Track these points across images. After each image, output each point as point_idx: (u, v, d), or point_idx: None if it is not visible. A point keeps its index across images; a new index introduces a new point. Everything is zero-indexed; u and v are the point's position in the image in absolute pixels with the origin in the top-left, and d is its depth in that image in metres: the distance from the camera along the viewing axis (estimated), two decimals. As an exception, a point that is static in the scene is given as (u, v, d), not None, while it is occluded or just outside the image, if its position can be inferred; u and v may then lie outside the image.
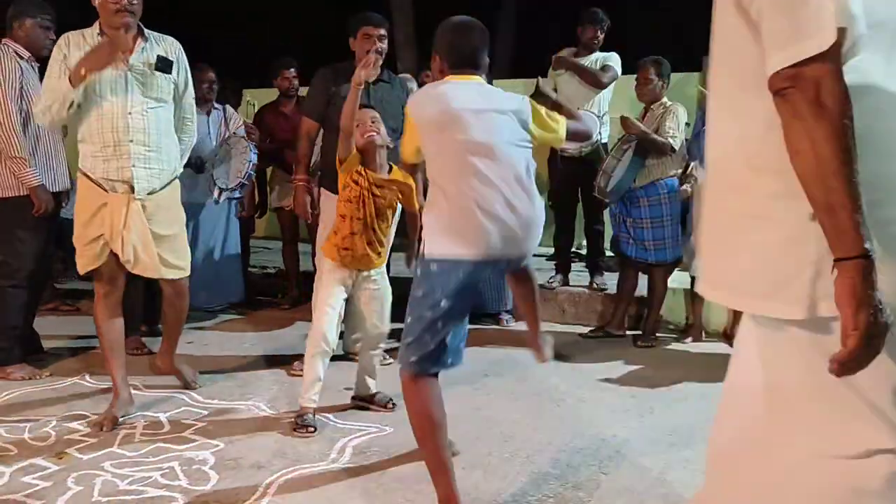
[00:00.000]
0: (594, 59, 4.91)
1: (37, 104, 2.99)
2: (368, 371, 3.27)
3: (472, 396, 3.42)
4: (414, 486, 2.47)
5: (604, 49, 4.97)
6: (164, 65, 3.07)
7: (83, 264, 3.06)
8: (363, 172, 3.00)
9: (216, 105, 4.89)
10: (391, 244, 3.30)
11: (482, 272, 2.24)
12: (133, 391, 3.23)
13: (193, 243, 4.86)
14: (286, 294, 5.39)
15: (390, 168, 3.10)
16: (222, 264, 5.05)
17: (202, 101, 4.71)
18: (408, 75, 5.18)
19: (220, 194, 4.58)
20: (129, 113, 2.96)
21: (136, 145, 2.98)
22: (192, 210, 4.82)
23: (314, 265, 4.07)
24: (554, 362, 3.75)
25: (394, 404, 3.18)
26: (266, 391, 3.51)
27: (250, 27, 10.49)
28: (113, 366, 3.12)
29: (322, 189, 3.79)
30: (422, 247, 2.24)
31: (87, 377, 3.66)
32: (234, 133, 4.82)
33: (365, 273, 3.16)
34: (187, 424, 3.04)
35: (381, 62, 3.48)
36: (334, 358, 3.17)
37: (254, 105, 6.80)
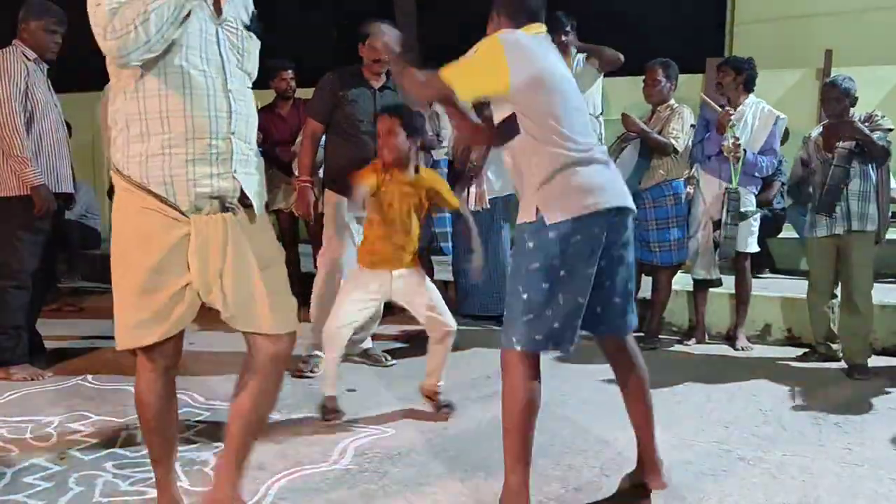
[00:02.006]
0: (577, 60, 4.88)
1: (105, 24, 1.80)
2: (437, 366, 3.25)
3: (475, 398, 3.41)
4: (415, 488, 2.46)
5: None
6: (255, 24, 2.10)
7: (138, 336, 1.94)
8: (392, 175, 3.11)
9: None
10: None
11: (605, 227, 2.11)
12: (133, 391, 3.22)
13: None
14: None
15: (416, 169, 3.20)
16: None
17: None
18: None
19: None
20: (230, 90, 1.95)
21: (238, 140, 1.97)
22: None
23: (315, 266, 4.09)
24: (555, 363, 3.77)
25: (449, 407, 3.21)
26: (268, 392, 3.50)
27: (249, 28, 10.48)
28: (161, 456, 2.12)
29: (326, 190, 3.80)
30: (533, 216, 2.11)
31: (90, 378, 3.66)
32: None
33: (397, 272, 3.19)
34: (189, 426, 3.04)
35: (386, 69, 3.53)
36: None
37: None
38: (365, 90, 3.71)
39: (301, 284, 5.21)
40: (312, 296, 3.81)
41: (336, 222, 3.72)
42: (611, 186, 2.15)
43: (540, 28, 2.27)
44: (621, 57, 4.75)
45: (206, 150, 1.89)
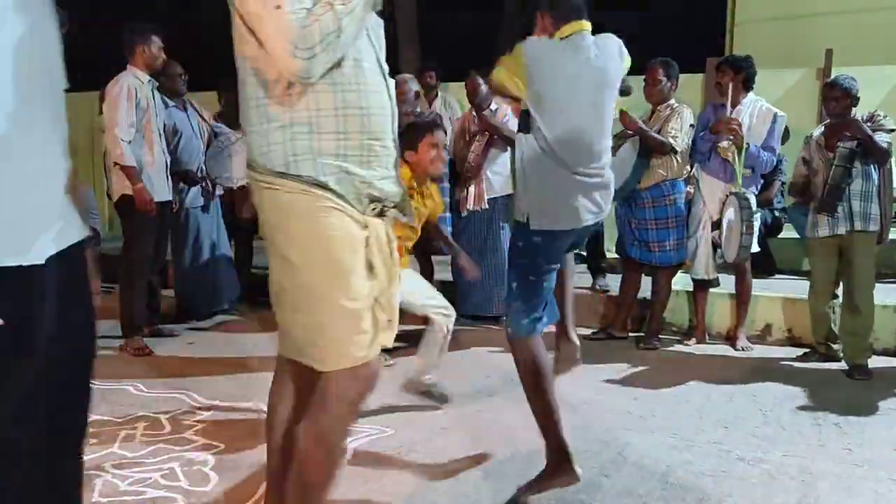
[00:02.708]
0: None
1: (295, 39, 1.56)
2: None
3: (474, 397, 3.41)
4: (415, 488, 2.46)
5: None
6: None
7: (376, 342, 1.80)
8: (415, 186, 3.32)
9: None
10: None
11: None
12: (133, 391, 3.23)
13: (200, 250, 4.90)
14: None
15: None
16: (221, 267, 5.06)
17: (175, 95, 4.68)
18: (410, 75, 5.17)
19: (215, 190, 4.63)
20: (388, 87, 1.79)
21: (396, 137, 1.82)
22: (194, 215, 4.85)
23: None
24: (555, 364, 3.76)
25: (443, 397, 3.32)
26: (267, 392, 3.49)
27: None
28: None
29: None
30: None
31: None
32: (214, 127, 4.84)
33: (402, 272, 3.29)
34: (188, 425, 3.04)
35: None
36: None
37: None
38: None
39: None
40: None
41: None
42: (590, 206, 2.37)
43: (577, 26, 2.36)
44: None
45: (379, 149, 1.73)
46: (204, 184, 4.78)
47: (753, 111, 4.25)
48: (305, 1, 1.58)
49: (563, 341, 2.70)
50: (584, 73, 2.33)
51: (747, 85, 4.26)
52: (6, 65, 1.09)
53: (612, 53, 2.40)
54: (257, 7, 1.57)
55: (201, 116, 4.89)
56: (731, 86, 4.17)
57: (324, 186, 1.66)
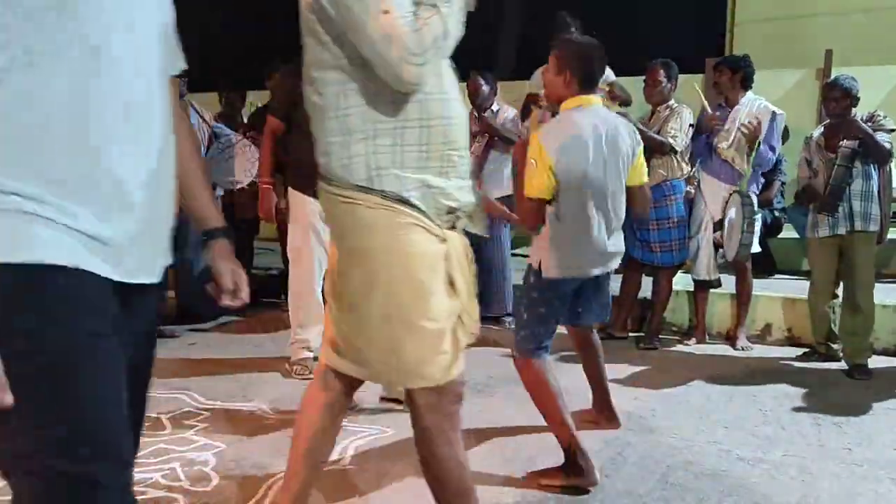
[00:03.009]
0: None
1: (411, 46, 1.52)
2: None
3: (475, 398, 3.41)
4: (415, 488, 2.46)
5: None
6: None
7: (454, 367, 1.77)
8: None
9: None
10: None
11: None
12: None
13: (200, 253, 4.90)
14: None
15: None
16: None
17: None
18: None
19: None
20: (456, 92, 1.72)
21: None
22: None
23: (285, 265, 4.13)
24: (555, 364, 3.76)
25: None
26: (268, 392, 3.50)
27: (251, 28, 10.52)
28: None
29: (289, 189, 3.78)
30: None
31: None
32: (214, 128, 4.84)
33: None
34: (189, 425, 3.04)
35: None
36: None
37: (256, 107, 6.81)
38: None
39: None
40: (290, 296, 3.81)
41: (300, 221, 3.69)
42: (595, 258, 2.64)
43: (594, 100, 2.63)
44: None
45: (457, 159, 1.68)
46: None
47: (752, 110, 4.25)
48: (407, 4, 1.52)
49: (603, 416, 3.05)
50: (600, 154, 2.55)
51: (745, 84, 4.26)
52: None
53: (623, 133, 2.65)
54: (361, 12, 1.49)
55: (202, 117, 4.89)
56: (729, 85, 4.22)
57: (406, 202, 1.61)
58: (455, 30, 1.58)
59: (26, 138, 1.06)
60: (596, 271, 2.68)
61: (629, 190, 2.70)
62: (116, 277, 1.14)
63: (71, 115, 1.07)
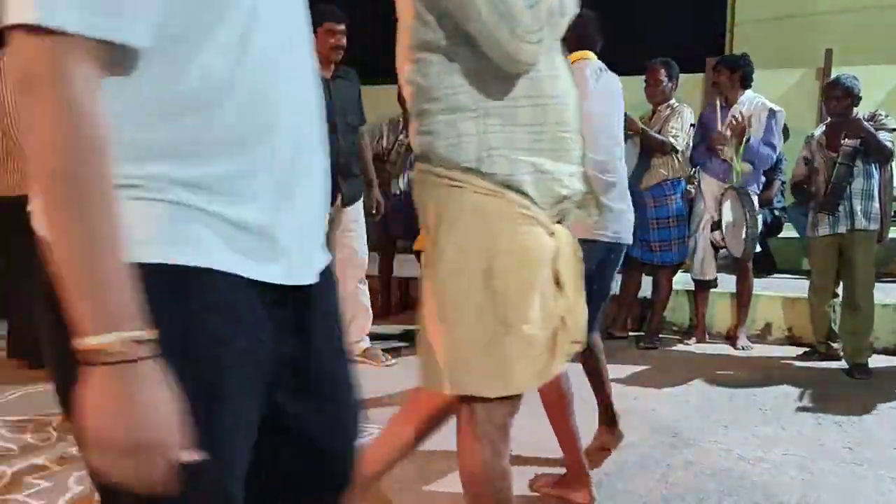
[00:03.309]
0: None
1: (525, 21, 1.41)
2: None
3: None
4: (415, 488, 2.46)
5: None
6: None
7: (539, 375, 1.60)
8: None
9: None
10: None
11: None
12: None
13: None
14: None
15: None
16: None
17: None
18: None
19: None
20: (566, 71, 1.59)
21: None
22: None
23: None
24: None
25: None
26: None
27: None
28: None
29: None
30: None
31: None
32: None
33: None
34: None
35: (340, 57, 3.54)
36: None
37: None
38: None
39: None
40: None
41: None
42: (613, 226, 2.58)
43: (580, 55, 2.57)
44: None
45: (570, 143, 1.53)
46: None
47: (750, 108, 4.25)
48: None
49: (602, 432, 2.80)
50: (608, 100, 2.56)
51: (745, 83, 4.27)
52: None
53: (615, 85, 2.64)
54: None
55: None
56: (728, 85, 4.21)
57: (518, 189, 1.47)
58: (572, 3, 1.47)
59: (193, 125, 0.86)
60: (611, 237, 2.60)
61: None
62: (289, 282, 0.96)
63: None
